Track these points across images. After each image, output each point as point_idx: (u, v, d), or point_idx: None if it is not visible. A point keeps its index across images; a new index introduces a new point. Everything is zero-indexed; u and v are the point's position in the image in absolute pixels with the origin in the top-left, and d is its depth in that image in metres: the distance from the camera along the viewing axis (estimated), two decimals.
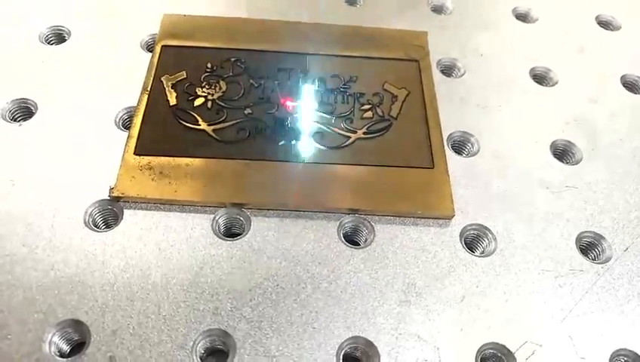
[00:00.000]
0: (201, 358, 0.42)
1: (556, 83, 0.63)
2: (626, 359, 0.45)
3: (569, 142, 0.58)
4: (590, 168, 0.56)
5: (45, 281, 0.44)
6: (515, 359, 0.44)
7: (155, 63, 0.58)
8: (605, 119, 0.60)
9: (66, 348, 0.43)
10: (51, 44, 0.61)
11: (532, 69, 0.64)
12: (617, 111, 0.61)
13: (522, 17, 0.70)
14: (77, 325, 0.42)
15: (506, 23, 0.70)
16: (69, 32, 0.62)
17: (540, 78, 0.64)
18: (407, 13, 0.69)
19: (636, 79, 0.64)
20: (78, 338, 0.43)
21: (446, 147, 0.55)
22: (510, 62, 0.65)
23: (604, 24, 0.71)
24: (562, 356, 0.44)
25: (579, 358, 0.44)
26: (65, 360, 0.41)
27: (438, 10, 0.70)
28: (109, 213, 0.49)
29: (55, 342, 0.42)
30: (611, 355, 0.44)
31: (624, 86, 0.64)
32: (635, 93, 0.63)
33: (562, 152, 0.57)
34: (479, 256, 0.49)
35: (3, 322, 0.42)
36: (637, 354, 0.44)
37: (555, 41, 0.68)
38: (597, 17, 0.72)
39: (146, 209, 0.49)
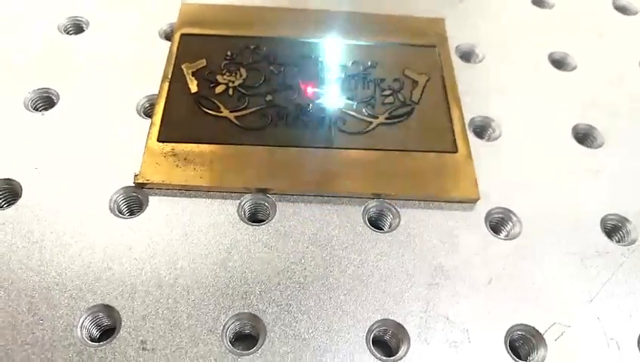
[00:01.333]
0: (230, 341, 0.42)
1: (575, 68, 0.63)
2: None
3: (590, 125, 0.58)
4: (612, 151, 0.56)
5: (74, 267, 0.44)
6: (544, 340, 0.44)
7: (175, 52, 0.58)
8: (625, 102, 0.60)
9: (96, 332, 0.43)
10: (70, 34, 0.61)
11: (550, 54, 0.64)
12: (637, 94, 0.61)
13: (538, 2, 0.70)
14: (107, 310, 0.42)
15: (522, 8, 0.70)
16: (87, 22, 0.62)
17: (559, 63, 0.64)
18: None
19: None
20: (108, 323, 0.43)
21: (468, 131, 0.55)
22: (528, 48, 0.65)
23: (621, 9, 0.71)
24: (591, 337, 0.44)
25: (608, 339, 0.44)
26: (96, 344, 0.41)
27: None
28: (134, 199, 0.49)
29: (86, 326, 0.42)
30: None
31: None
32: None
33: (583, 136, 0.57)
34: (504, 239, 0.49)
35: (35, 307, 0.42)
36: None
37: (573, 26, 0.68)
38: (614, 2, 0.71)
39: (172, 195, 0.49)
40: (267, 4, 0.64)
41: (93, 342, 0.42)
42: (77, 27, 0.62)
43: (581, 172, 0.54)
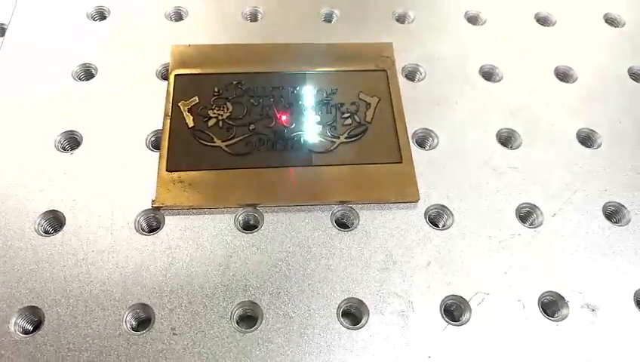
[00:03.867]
0: (237, 323, 0.57)
1: (501, 79, 0.77)
2: (551, 297, 0.60)
3: (511, 129, 0.72)
4: (528, 151, 0.70)
5: (114, 276, 0.58)
6: (469, 305, 0.59)
7: (172, 91, 0.71)
8: (541, 108, 0.74)
9: (135, 324, 0.57)
10: (82, 80, 0.74)
11: (481, 67, 0.78)
12: (551, 100, 0.75)
13: (473, 20, 0.83)
14: (143, 307, 0.57)
15: (459, 26, 0.83)
16: (96, 68, 0.74)
17: (488, 75, 0.77)
18: (375, 24, 0.82)
19: (566, 69, 0.78)
20: (144, 317, 0.58)
21: (411, 143, 0.69)
22: (463, 63, 0.78)
23: (542, 20, 0.84)
24: (504, 301, 0.59)
25: (516, 300, 0.59)
26: (138, 332, 0.56)
27: (401, 19, 0.83)
28: (154, 219, 0.63)
29: (129, 320, 0.56)
30: (540, 296, 0.60)
31: (556, 77, 0.77)
32: (566, 83, 0.77)
33: (506, 139, 0.71)
34: (441, 230, 0.64)
35: (89, 308, 0.56)
36: (559, 294, 0.60)
37: (500, 40, 0.81)
38: (536, 15, 0.85)
39: (182, 214, 0.63)
40: (241, 41, 0.77)
41: (134, 330, 0.56)
42: (88, 73, 0.74)
43: (503, 169, 0.68)
